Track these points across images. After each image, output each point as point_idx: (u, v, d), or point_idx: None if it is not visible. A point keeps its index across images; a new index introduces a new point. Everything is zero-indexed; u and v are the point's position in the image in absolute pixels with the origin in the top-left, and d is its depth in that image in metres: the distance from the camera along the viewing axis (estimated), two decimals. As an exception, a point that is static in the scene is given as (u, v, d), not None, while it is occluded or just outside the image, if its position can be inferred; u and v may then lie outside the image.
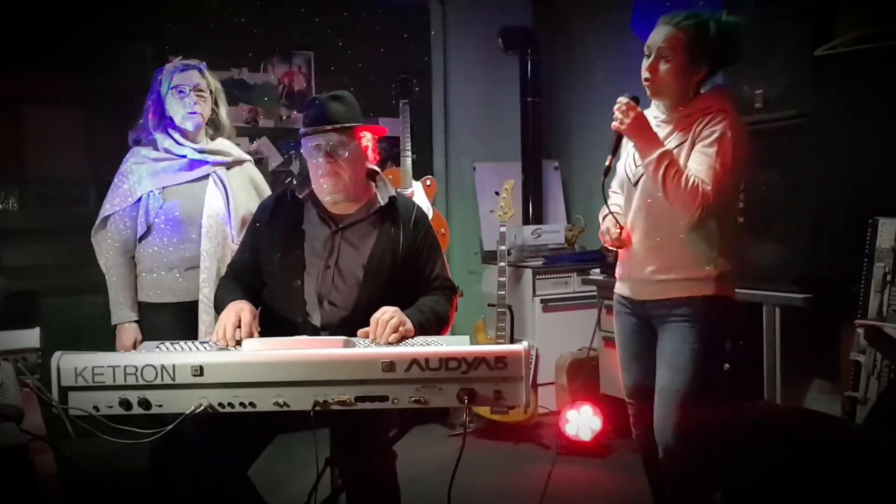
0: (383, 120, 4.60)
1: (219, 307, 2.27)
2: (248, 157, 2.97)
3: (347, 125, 2.26)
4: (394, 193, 2.36)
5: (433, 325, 2.21)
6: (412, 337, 2.10)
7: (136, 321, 2.74)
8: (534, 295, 4.44)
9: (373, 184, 2.39)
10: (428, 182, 4.45)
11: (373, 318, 2.09)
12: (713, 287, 2.30)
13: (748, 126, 2.93)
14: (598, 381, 4.06)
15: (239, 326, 2.08)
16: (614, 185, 2.54)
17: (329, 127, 2.24)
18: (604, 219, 2.50)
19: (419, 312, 2.20)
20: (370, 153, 2.36)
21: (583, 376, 4.12)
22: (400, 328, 2.06)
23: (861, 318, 2.77)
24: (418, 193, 4.35)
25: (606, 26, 4.67)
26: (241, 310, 2.13)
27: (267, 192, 3.01)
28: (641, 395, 2.49)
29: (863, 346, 2.76)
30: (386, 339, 2.04)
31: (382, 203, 2.33)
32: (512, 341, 4.00)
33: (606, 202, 2.46)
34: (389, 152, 4.64)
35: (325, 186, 2.28)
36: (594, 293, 4.16)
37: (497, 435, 4.13)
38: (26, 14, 3.98)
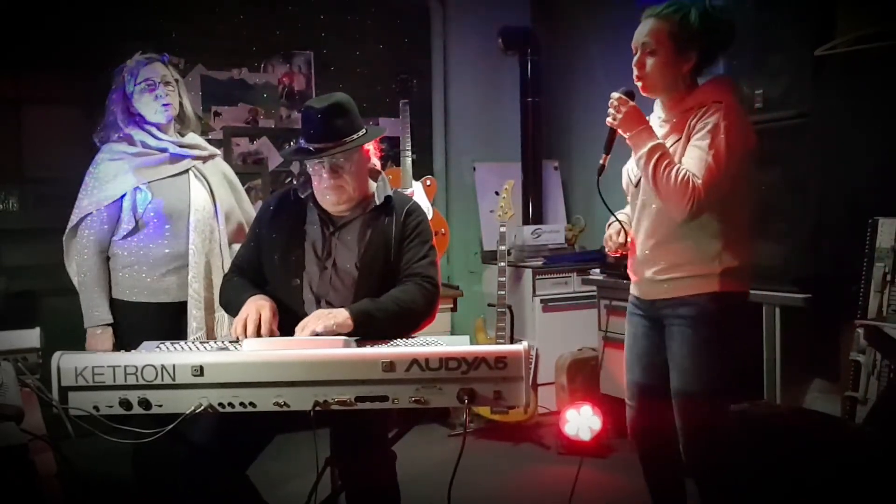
0: (383, 120, 4.61)
1: (231, 305, 2.27)
2: (218, 151, 2.96)
3: (350, 144, 2.21)
4: (390, 193, 2.35)
5: (392, 313, 2.14)
6: (348, 328, 2.05)
7: (110, 324, 2.67)
8: (534, 295, 4.44)
9: (373, 183, 2.38)
10: (428, 182, 4.46)
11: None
12: (718, 283, 2.24)
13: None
14: (598, 381, 4.06)
15: (259, 323, 2.09)
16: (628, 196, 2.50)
17: (332, 144, 2.19)
18: (609, 226, 2.47)
19: (370, 301, 2.16)
20: (374, 157, 2.35)
21: (583, 376, 4.12)
22: (328, 320, 2.03)
23: (861, 318, 2.77)
24: (418, 193, 4.35)
25: (606, 26, 4.67)
26: (261, 307, 2.13)
27: (239, 185, 3.01)
28: (640, 398, 2.46)
29: (863, 346, 2.76)
30: (311, 330, 2.02)
31: (378, 202, 2.32)
32: (512, 341, 4.00)
33: (605, 202, 2.41)
34: (389, 152, 4.64)
35: (328, 199, 2.28)
36: (594, 293, 4.16)
37: (497, 435, 4.13)
38: (26, 14, 3.99)
